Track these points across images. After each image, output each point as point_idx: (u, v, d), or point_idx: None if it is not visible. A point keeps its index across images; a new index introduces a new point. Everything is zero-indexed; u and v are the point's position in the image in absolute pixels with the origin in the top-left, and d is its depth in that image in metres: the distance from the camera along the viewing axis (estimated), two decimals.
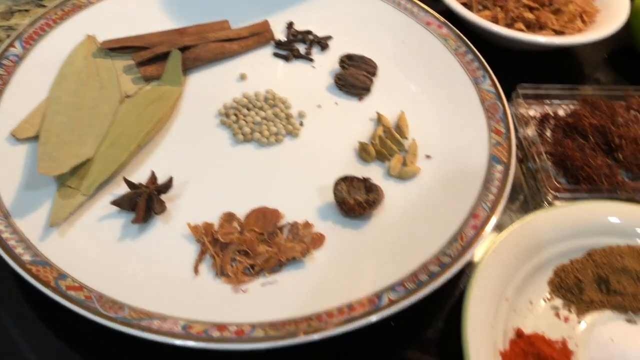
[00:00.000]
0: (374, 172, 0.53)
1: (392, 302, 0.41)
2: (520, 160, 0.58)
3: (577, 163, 0.54)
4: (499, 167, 0.50)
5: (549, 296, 0.47)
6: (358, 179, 0.49)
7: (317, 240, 0.47)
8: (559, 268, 0.48)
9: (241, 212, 0.49)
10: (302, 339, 0.39)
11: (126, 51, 0.59)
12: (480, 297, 0.43)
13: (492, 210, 0.47)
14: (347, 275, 0.45)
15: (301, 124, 0.56)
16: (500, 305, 0.44)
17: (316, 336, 0.39)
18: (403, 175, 0.52)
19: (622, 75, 0.69)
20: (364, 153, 0.54)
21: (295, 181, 0.52)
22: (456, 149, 0.53)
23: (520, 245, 0.46)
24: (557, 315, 0.46)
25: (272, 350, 0.39)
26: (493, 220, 0.46)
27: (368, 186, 0.49)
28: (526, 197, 0.55)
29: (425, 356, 0.44)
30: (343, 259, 0.46)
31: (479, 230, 0.45)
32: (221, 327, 0.39)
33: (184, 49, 0.59)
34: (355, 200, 0.48)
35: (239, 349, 0.38)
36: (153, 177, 0.49)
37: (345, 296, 0.42)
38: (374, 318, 0.40)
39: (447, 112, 0.56)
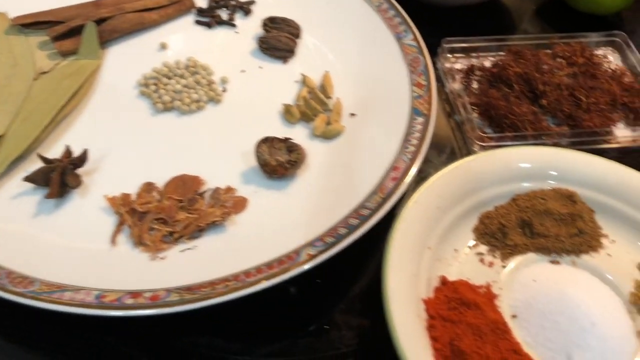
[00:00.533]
0: (299, 133, 0.52)
1: (311, 257, 0.41)
2: (448, 114, 0.58)
3: (501, 111, 0.54)
4: (420, 120, 0.50)
5: (473, 243, 0.47)
6: (279, 139, 0.49)
7: (239, 204, 0.46)
8: (484, 215, 0.48)
9: (162, 182, 0.48)
10: (217, 300, 0.38)
11: (41, 27, 0.57)
12: (401, 248, 0.43)
13: (411, 161, 0.46)
14: (269, 236, 0.44)
15: (224, 90, 0.55)
16: (423, 254, 0.44)
17: (233, 296, 0.39)
18: (327, 134, 0.52)
19: (551, 26, 0.69)
20: (288, 115, 0.53)
21: (218, 147, 0.51)
22: (379, 105, 0.53)
23: (442, 195, 0.46)
24: (482, 261, 0.46)
25: (199, 314, 0.39)
26: (412, 171, 0.46)
27: (289, 146, 0.48)
28: (454, 150, 0.55)
29: (351, 311, 0.44)
30: (265, 220, 0.46)
31: (398, 181, 0.45)
32: (135, 294, 0.39)
33: (100, 21, 0.57)
34: (277, 161, 0.48)
35: (153, 314, 0.38)
36: (67, 152, 0.47)
37: (266, 256, 0.42)
38: (290, 274, 0.40)
39: (370, 69, 0.56)
